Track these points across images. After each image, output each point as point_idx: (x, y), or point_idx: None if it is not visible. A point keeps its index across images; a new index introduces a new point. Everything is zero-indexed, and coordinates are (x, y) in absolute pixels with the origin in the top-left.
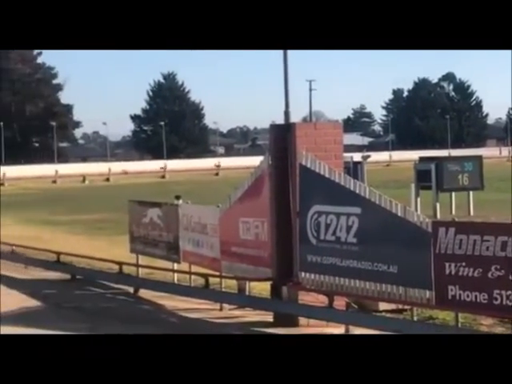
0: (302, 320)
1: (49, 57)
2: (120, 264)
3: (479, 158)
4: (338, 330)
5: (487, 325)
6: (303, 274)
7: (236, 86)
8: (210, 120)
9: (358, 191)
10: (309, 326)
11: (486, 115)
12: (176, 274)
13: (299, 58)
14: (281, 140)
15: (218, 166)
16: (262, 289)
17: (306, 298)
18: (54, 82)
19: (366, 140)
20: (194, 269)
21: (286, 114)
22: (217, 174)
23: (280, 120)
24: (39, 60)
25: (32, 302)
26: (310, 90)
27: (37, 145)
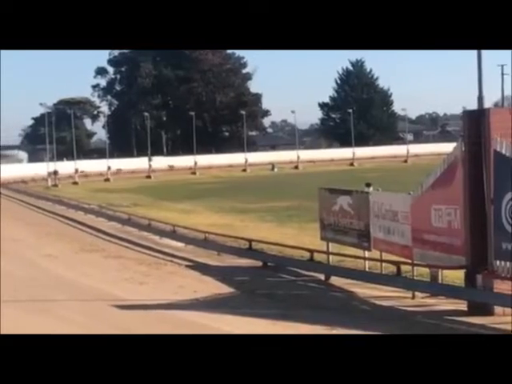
0: (498, 309)
1: None
2: (311, 251)
3: None
4: None
5: None
6: (498, 262)
7: (425, 72)
8: (399, 106)
9: None
10: (504, 315)
11: None
12: (367, 262)
13: None
14: (474, 126)
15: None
16: (455, 277)
17: (502, 286)
18: (244, 71)
19: None
20: (385, 256)
21: (480, 99)
22: (405, 161)
23: (470, 106)
24: (229, 50)
25: (225, 289)
26: (502, 74)
27: (227, 134)
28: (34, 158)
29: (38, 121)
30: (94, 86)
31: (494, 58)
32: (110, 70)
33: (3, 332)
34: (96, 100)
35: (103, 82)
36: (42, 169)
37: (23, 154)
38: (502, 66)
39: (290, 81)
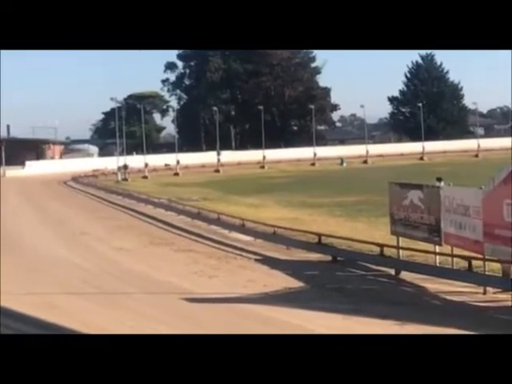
0: None
1: None
2: (381, 246)
3: None
4: None
5: None
6: None
7: (496, 65)
8: (469, 100)
9: None
10: None
11: None
12: (438, 257)
13: None
14: None
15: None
16: None
17: None
18: (313, 65)
19: None
20: (456, 251)
21: None
22: (476, 156)
23: None
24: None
25: (295, 283)
26: None
27: (295, 128)
28: (104, 152)
29: (109, 115)
30: (164, 81)
31: None
32: (180, 64)
33: (79, 324)
34: (165, 94)
35: (172, 77)
36: (112, 163)
37: (94, 148)
38: None
39: (360, 75)
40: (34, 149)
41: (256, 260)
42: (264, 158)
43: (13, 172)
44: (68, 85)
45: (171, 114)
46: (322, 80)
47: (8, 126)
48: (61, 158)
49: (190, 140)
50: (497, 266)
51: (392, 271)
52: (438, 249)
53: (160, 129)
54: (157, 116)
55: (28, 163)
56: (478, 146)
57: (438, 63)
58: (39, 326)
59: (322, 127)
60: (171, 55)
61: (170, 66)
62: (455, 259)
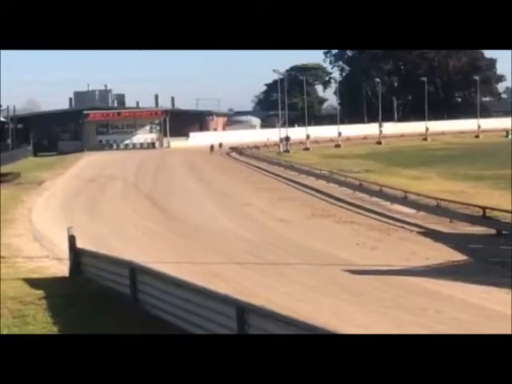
0: None
1: None
2: None
3: None
4: None
5: None
6: None
7: None
8: None
9: None
10: None
11: None
12: None
13: None
14: None
15: None
16: None
17: None
18: None
19: None
20: None
21: None
22: None
23: None
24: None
25: (458, 256)
26: None
27: (459, 99)
28: (266, 123)
29: (271, 87)
30: (326, 53)
31: None
32: None
33: (238, 291)
34: (328, 66)
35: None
36: (274, 134)
37: (256, 120)
38: None
39: None
40: (197, 120)
41: (418, 233)
42: (427, 129)
43: (177, 143)
44: (231, 56)
45: (333, 86)
46: (488, 50)
47: (172, 98)
48: (224, 129)
49: (351, 112)
50: None
51: None
52: None
53: (322, 100)
54: (319, 88)
55: (192, 134)
56: None
57: None
58: (197, 291)
59: (487, 99)
60: None
61: None
62: None
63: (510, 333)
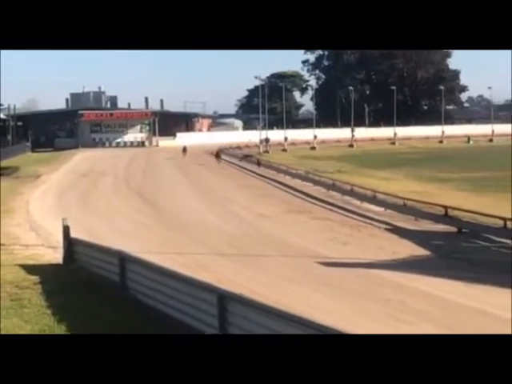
0: None
1: None
2: (504, 219)
3: None
4: None
5: None
6: None
7: None
8: None
9: None
10: None
11: None
12: None
13: None
14: None
15: None
16: None
17: None
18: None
19: None
20: None
21: None
22: None
23: None
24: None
25: (422, 251)
26: None
27: (426, 107)
28: (248, 126)
29: (253, 92)
30: (304, 62)
31: None
32: None
33: (217, 279)
34: (305, 74)
35: (312, 58)
36: (254, 136)
37: (239, 123)
38: None
39: (488, 59)
40: (184, 121)
41: (386, 229)
42: (395, 134)
43: (165, 142)
44: (218, 62)
45: (310, 93)
46: (452, 63)
47: (162, 101)
48: (208, 130)
49: (326, 117)
50: None
51: None
52: None
53: (299, 106)
54: (296, 94)
55: (178, 135)
56: None
57: None
58: (181, 280)
59: (451, 107)
60: None
61: None
62: None
63: (469, 321)
